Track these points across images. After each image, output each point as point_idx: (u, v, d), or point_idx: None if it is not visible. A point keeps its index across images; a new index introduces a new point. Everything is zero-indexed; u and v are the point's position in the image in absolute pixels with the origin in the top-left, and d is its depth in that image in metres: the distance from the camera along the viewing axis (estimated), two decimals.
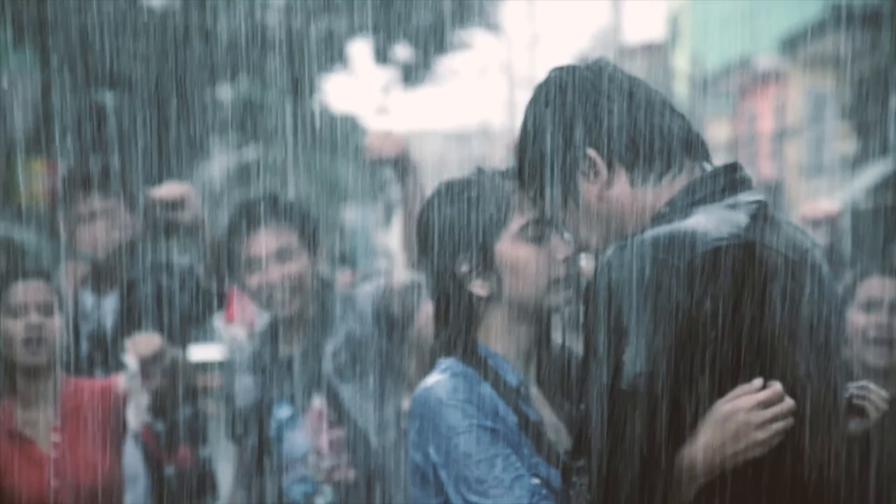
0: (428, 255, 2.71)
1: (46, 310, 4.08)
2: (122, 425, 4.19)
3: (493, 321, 2.67)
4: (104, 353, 4.55)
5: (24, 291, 4.09)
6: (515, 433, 2.58)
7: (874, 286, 4.04)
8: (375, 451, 4.12)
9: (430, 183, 2.86)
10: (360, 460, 4.13)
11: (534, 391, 2.69)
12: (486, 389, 2.60)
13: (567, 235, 2.64)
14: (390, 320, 4.19)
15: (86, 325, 4.66)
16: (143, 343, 4.17)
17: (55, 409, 4.11)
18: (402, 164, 4.26)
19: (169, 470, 4.62)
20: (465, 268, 2.66)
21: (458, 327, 2.67)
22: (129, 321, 4.58)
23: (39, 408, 4.11)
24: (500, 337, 2.67)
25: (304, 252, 4.19)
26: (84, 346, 4.61)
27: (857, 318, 4.02)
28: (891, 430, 3.08)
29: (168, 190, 4.44)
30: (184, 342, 4.74)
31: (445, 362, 2.66)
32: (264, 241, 4.15)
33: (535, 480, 2.53)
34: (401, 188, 4.35)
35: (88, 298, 4.67)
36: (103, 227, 4.65)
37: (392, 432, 4.17)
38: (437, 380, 2.62)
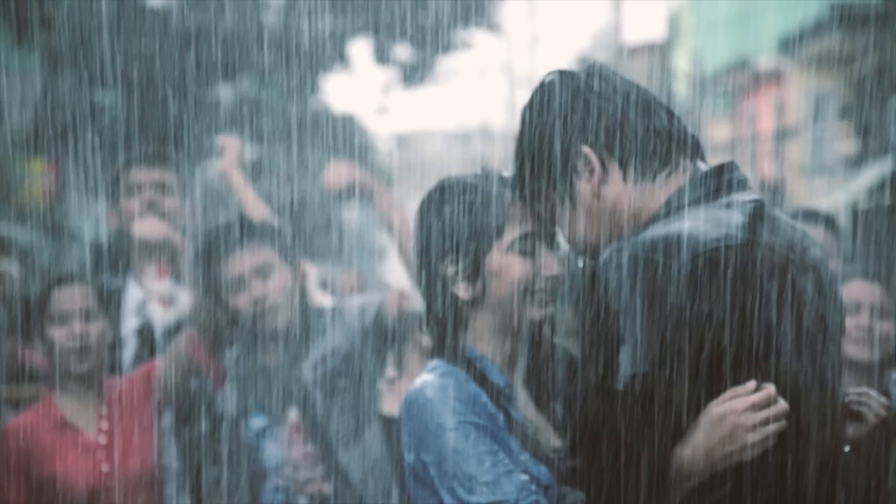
0: (421, 248, 2.72)
1: (90, 316, 4.06)
2: (158, 404, 4.18)
3: (479, 324, 2.69)
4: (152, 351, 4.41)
5: (67, 298, 4.07)
6: (504, 431, 2.59)
7: (854, 290, 4.10)
8: (346, 466, 4.15)
9: (430, 184, 2.84)
10: (332, 474, 4.16)
11: (520, 394, 2.70)
12: (474, 388, 2.62)
13: (558, 253, 2.66)
14: (378, 340, 4.23)
15: (133, 321, 4.50)
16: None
17: (101, 398, 4.12)
18: (363, 191, 4.34)
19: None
20: (451, 269, 2.67)
21: (445, 328, 2.69)
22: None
23: (85, 399, 4.12)
24: (485, 340, 2.68)
25: (283, 266, 4.22)
26: (133, 343, 4.46)
27: None
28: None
29: (150, 228, 4.37)
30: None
31: (434, 363, 2.68)
32: (244, 261, 4.17)
33: (524, 476, 2.54)
34: (375, 212, 4.40)
35: (137, 293, 4.53)
36: (151, 200, 4.48)
37: (368, 446, 4.19)
38: (426, 379, 2.64)
